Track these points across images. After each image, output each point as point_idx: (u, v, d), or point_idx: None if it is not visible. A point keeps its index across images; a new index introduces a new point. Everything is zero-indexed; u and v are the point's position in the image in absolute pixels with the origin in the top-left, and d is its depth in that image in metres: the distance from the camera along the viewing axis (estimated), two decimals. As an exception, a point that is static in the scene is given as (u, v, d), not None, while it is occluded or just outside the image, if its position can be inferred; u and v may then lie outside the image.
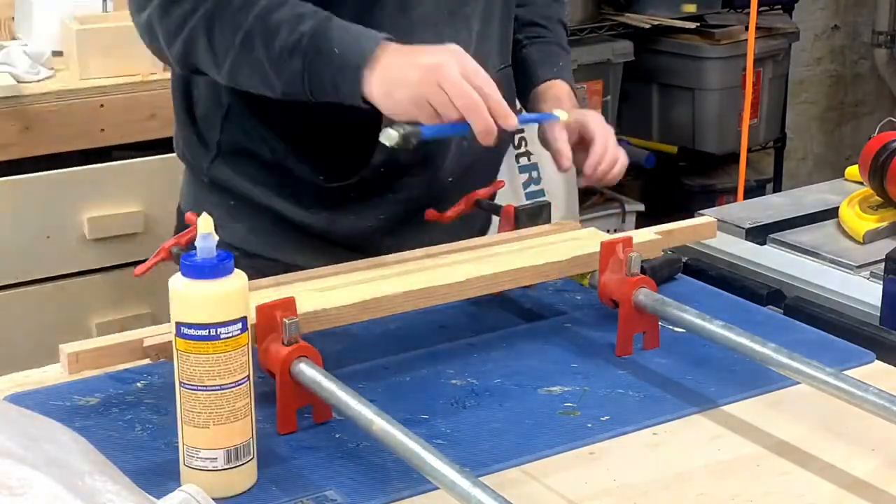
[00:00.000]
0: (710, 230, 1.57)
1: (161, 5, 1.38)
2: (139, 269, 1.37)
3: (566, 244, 1.42)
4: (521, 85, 1.66)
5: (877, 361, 1.35)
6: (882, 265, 1.59)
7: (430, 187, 1.53)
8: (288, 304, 1.16)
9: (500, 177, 1.65)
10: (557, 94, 1.62)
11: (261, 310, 1.14)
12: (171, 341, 1.05)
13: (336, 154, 1.49)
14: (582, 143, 1.55)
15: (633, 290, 1.32)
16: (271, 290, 1.26)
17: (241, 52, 1.35)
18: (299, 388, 1.15)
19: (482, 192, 1.54)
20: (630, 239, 1.37)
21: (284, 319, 1.14)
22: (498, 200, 1.55)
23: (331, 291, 1.28)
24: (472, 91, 1.27)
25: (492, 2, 1.55)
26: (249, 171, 1.53)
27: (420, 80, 1.27)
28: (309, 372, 1.13)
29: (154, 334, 1.17)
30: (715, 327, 1.23)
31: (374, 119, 1.35)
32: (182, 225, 1.60)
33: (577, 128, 1.55)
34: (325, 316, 1.23)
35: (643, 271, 1.49)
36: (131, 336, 1.18)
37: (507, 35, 1.63)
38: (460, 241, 1.45)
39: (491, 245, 1.43)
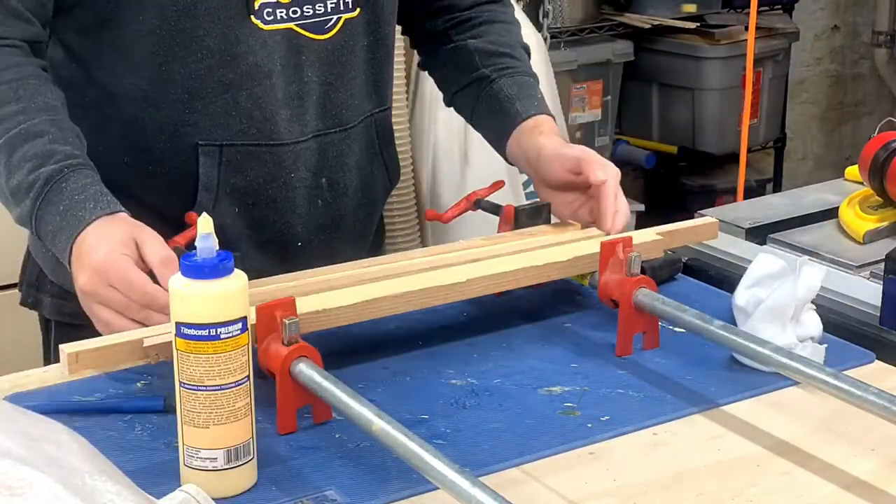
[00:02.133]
0: (712, 231, 1.57)
1: None
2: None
3: (567, 245, 1.42)
4: (499, 121, 1.59)
5: (877, 361, 1.35)
6: (882, 265, 1.59)
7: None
8: (288, 305, 1.16)
9: (499, 177, 1.65)
10: (549, 131, 1.55)
11: (261, 310, 1.14)
12: (170, 341, 1.05)
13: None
14: (576, 186, 1.49)
15: (633, 290, 1.32)
16: (271, 290, 1.26)
17: None
18: (299, 388, 1.15)
19: (482, 192, 1.54)
20: (630, 239, 1.37)
21: (284, 319, 1.14)
22: (498, 200, 1.55)
23: (331, 291, 1.28)
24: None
25: (348, 47, 1.47)
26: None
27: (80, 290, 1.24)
28: (309, 372, 1.13)
29: (154, 334, 1.17)
30: (715, 327, 1.23)
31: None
32: None
33: (571, 169, 1.48)
34: (326, 316, 1.23)
35: (643, 271, 1.50)
36: (131, 336, 1.18)
37: (382, 78, 1.54)
38: (461, 241, 1.45)
39: (491, 245, 1.43)
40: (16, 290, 2.50)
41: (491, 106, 1.59)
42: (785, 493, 1.08)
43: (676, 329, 1.35)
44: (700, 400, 1.24)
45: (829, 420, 1.19)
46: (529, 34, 3.28)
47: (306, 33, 1.42)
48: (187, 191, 1.42)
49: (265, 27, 1.39)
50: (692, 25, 3.84)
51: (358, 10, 1.46)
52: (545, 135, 1.53)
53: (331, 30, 1.44)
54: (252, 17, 1.38)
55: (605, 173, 1.43)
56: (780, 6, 4.24)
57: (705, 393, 1.25)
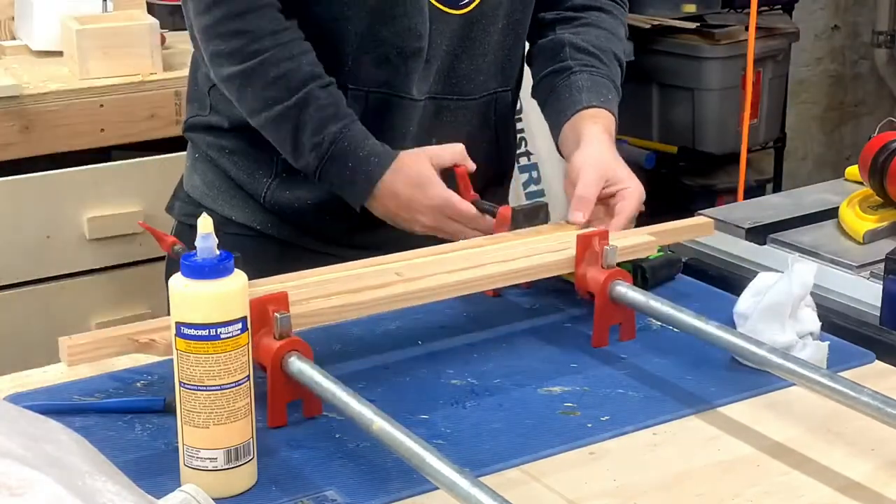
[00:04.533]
0: (707, 228, 1.58)
1: (226, 31, 1.48)
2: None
3: (565, 243, 1.42)
4: (561, 107, 1.64)
5: (877, 361, 1.35)
6: (882, 265, 1.60)
7: None
8: (280, 299, 1.17)
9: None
10: (603, 123, 1.61)
11: (254, 304, 1.14)
12: (166, 330, 1.05)
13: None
14: (605, 202, 1.53)
15: (609, 282, 1.33)
16: (270, 290, 1.26)
17: (271, 125, 1.50)
18: (290, 382, 1.15)
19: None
20: (606, 232, 1.37)
21: (276, 314, 1.15)
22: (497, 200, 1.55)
23: (328, 288, 1.28)
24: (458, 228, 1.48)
25: (480, 25, 1.57)
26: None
27: (424, 227, 1.49)
28: (299, 366, 1.14)
29: (150, 328, 1.17)
30: (711, 328, 1.24)
31: None
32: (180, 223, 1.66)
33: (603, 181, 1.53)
34: (322, 313, 1.24)
35: (643, 272, 1.50)
36: (130, 329, 1.18)
37: (510, 60, 1.65)
38: (461, 241, 1.45)
39: (491, 245, 1.43)
40: (16, 290, 2.51)
41: (561, 94, 1.65)
42: (785, 493, 1.08)
43: (677, 329, 1.35)
44: (700, 400, 1.24)
45: (828, 420, 1.19)
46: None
47: (440, 6, 1.52)
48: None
49: (453, 11, 1.53)
50: (692, 25, 3.84)
51: None
52: (596, 125, 1.60)
53: (466, 6, 1.54)
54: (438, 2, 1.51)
55: (584, 215, 1.48)
56: (780, 6, 4.24)
57: (705, 393, 1.25)
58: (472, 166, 1.50)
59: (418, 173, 1.47)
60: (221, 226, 1.50)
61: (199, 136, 1.65)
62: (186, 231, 1.66)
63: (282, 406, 1.17)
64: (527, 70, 1.77)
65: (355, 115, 1.50)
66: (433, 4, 1.52)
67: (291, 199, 1.57)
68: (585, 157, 1.53)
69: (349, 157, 1.47)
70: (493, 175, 1.68)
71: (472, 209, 1.47)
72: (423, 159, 1.48)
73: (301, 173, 1.52)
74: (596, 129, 1.58)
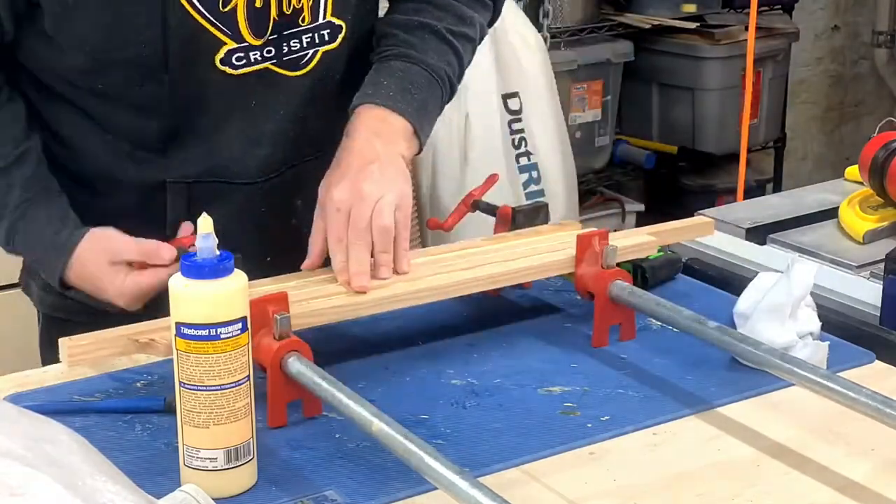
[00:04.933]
0: (707, 228, 1.58)
1: None
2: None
3: (565, 243, 1.42)
4: None
5: (877, 361, 1.35)
6: (882, 265, 1.59)
7: None
8: (280, 299, 1.17)
9: (499, 177, 1.65)
10: (355, 127, 1.37)
11: (254, 304, 1.14)
12: (167, 330, 1.05)
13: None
14: None
15: (609, 282, 1.33)
16: (271, 290, 1.26)
17: None
18: (290, 382, 1.15)
19: (477, 191, 1.54)
20: (606, 232, 1.37)
21: (276, 315, 1.15)
22: (497, 200, 1.55)
23: (328, 288, 1.28)
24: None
25: (327, 79, 1.43)
26: None
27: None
28: (299, 366, 1.14)
29: (150, 328, 1.18)
30: (710, 329, 1.24)
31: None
32: None
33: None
34: (322, 313, 1.24)
35: (643, 272, 1.50)
36: (130, 329, 1.18)
37: (310, 130, 1.45)
38: (461, 241, 1.45)
39: (491, 245, 1.43)
40: (16, 290, 2.51)
41: None
42: (785, 493, 1.08)
43: (677, 329, 1.35)
44: (700, 400, 1.24)
45: (829, 421, 1.19)
46: (529, 34, 3.29)
47: (282, 71, 1.38)
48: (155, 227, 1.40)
49: (235, 72, 1.35)
50: (692, 25, 3.84)
51: (339, 40, 1.41)
52: (351, 128, 1.38)
53: (307, 65, 1.40)
54: (219, 64, 1.34)
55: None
56: (780, 6, 4.24)
57: (705, 393, 1.25)
58: (166, 257, 1.31)
59: (84, 259, 1.34)
60: (91, 317, 1.38)
61: None
62: (51, 324, 1.54)
63: (282, 406, 1.17)
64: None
65: (43, 187, 1.37)
66: (276, 71, 1.38)
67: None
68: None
69: (38, 234, 1.36)
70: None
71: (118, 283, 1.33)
72: (92, 247, 1.34)
73: None
74: (343, 139, 1.38)
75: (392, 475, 1.09)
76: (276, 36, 1.36)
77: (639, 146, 3.96)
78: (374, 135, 1.35)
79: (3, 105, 1.38)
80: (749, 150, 3.65)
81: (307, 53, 1.40)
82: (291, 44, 1.38)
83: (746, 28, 3.49)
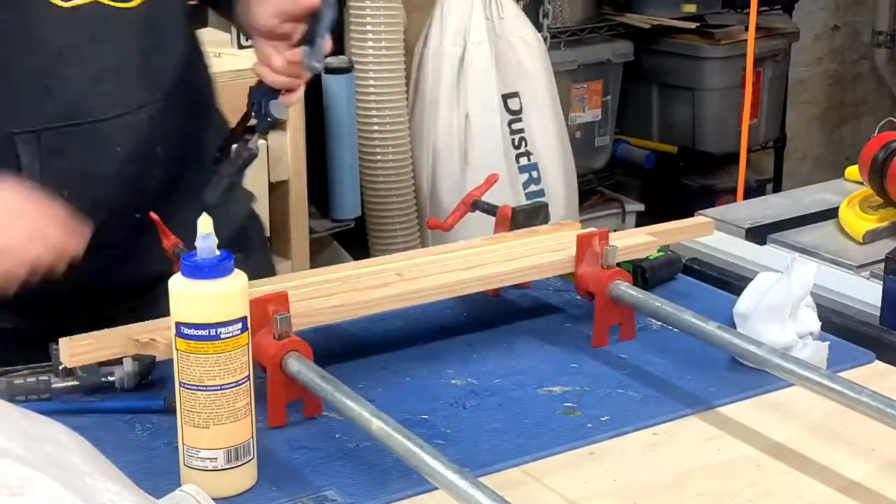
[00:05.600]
0: (707, 228, 1.58)
1: None
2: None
3: (564, 243, 1.42)
4: None
5: (877, 361, 1.35)
6: (882, 265, 1.59)
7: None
8: (280, 299, 1.17)
9: (499, 176, 1.65)
10: None
11: (254, 304, 1.14)
12: (167, 330, 1.05)
13: None
14: (285, 35, 1.37)
15: (609, 282, 1.33)
16: (271, 290, 1.27)
17: None
18: (290, 382, 1.15)
19: (477, 191, 1.54)
20: (606, 232, 1.37)
21: (276, 314, 1.15)
22: (497, 200, 1.55)
23: (328, 288, 1.28)
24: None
25: (162, 11, 1.40)
26: None
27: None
28: (298, 366, 1.14)
29: (150, 328, 1.18)
30: (711, 328, 1.24)
31: None
32: None
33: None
34: (322, 313, 1.24)
35: (643, 272, 1.50)
36: (130, 329, 1.18)
37: (155, 65, 1.41)
38: (461, 241, 1.45)
39: (490, 245, 1.43)
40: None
41: None
42: (785, 493, 1.08)
43: (677, 329, 1.35)
44: (700, 400, 1.24)
45: (829, 420, 1.19)
46: (529, 34, 3.29)
47: (111, 3, 1.35)
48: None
49: (65, 4, 1.31)
50: (692, 25, 3.84)
51: None
52: None
53: None
54: None
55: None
56: (780, 6, 4.24)
57: (705, 393, 1.25)
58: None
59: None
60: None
61: None
62: None
63: (282, 406, 1.17)
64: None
65: None
66: (106, 4, 1.35)
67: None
68: None
69: None
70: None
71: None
72: None
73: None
74: None
75: (392, 475, 1.09)
76: None
77: (639, 146, 3.96)
78: None
79: None
80: (749, 150, 3.65)
81: None
82: None
83: (746, 28, 3.49)
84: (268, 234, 2.12)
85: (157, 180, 1.43)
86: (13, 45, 1.31)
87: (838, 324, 1.41)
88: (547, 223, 1.51)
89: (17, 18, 1.30)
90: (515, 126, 3.26)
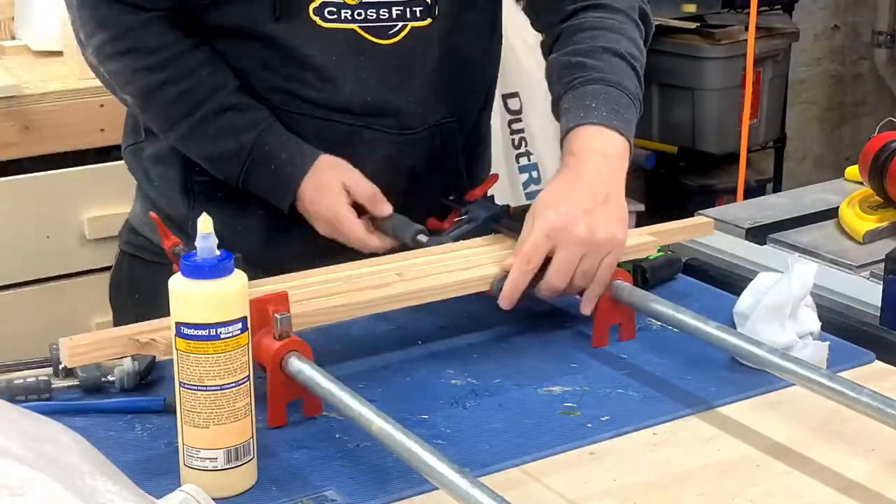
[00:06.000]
0: (707, 228, 1.58)
1: (114, 51, 1.45)
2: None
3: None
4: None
5: (877, 361, 1.35)
6: (882, 265, 1.59)
7: None
8: (280, 299, 1.17)
9: (499, 177, 1.65)
10: (579, 143, 1.36)
11: (254, 304, 1.14)
12: (167, 330, 1.05)
13: None
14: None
15: (609, 282, 1.33)
16: (271, 290, 1.26)
17: (183, 142, 1.48)
18: (290, 382, 1.15)
19: (477, 191, 1.53)
20: None
21: (276, 314, 1.15)
22: (497, 200, 1.55)
23: (328, 288, 1.28)
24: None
25: (415, 54, 1.47)
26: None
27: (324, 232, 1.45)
28: (299, 366, 1.14)
29: (150, 328, 1.17)
30: (711, 328, 1.24)
31: None
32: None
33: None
34: (322, 313, 1.24)
35: (643, 272, 1.50)
36: (130, 329, 1.18)
37: (455, 88, 1.52)
38: (460, 241, 1.45)
39: (490, 244, 1.43)
40: (16, 290, 2.51)
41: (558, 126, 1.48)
42: (785, 493, 1.08)
43: (677, 329, 1.35)
44: (700, 400, 1.24)
45: (829, 420, 1.19)
46: (529, 34, 3.28)
47: (368, 36, 1.44)
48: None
49: (325, 24, 1.42)
50: (692, 25, 3.84)
51: (429, 20, 1.46)
52: (570, 153, 1.37)
53: (396, 35, 1.45)
54: (311, 13, 1.41)
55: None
56: (780, 6, 4.24)
57: (705, 393, 1.25)
58: (385, 211, 1.45)
59: (325, 182, 1.44)
60: (158, 256, 1.49)
61: (134, 164, 1.60)
62: (126, 261, 1.65)
63: (282, 406, 1.17)
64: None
65: (270, 115, 1.46)
66: (363, 36, 1.44)
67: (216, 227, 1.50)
68: (538, 200, 1.35)
69: (272, 161, 1.44)
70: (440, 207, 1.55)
71: (359, 231, 1.44)
72: (335, 172, 1.45)
73: (218, 199, 1.49)
74: (568, 157, 1.37)
75: (392, 475, 1.09)
76: (370, 0, 1.42)
77: (639, 146, 3.95)
78: (603, 157, 1.35)
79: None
80: (749, 150, 3.65)
81: (396, 25, 1.44)
82: (381, 11, 1.43)
83: (746, 28, 3.49)
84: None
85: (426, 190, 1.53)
86: (271, 50, 1.44)
87: (838, 324, 1.41)
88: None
89: (281, 27, 1.42)
90: (515, 126, 3.26)
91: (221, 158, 1.46)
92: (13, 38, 2.86)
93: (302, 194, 1.44)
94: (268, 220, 1.50)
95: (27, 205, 2.47)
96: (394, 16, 1.45)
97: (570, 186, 1.33)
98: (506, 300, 1.32)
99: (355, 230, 1.44)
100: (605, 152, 1.36)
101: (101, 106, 2.48)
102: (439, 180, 1.56)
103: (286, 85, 1.46)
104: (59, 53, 2.67)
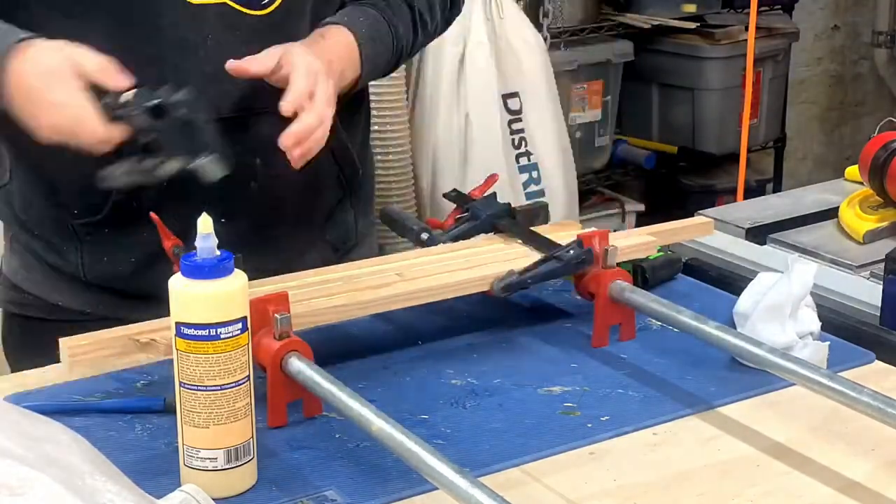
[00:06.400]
0: (707, 228, 1.58)
1: None
2: None
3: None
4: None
5: (877, 361, 1.35)
6: (882, 265, 1.59)
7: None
8: (280, 299, 1.17)
9: (499, 177, 1.65)
10: (325, 34, 1.40)
11: (254, 304, 1.14)
12: (167, 330, 1.05)
13: (77, 186, 1.39)
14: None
15: (609, 282, 1.34)
16: (271, 290, 1.26)
17: None
18: (290, 382, 1.15)
19: (476, 191, 1.54)
20: (606, 232, 1.37)
21: (276, 314, 1.15)
22: (497, 200, 1.55)
23: (328, 288, 1.28)
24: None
25: (290, 23, 1.41)
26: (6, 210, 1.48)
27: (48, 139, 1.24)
28: (299, 366, 1.14)
29: (150, 328, 1.18)
30: (710, 328, 1.24)
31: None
32: None
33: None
34: (322, 313, 1.24)
35: (643, 272, 1.50)
36: (130, 329, 1.18)
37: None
38: (461, 242, 1.45)
39: (490, 244, 1.43)
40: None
41: None
42: (785, 493, 1.08)
43: (677, 329, 1.35)
44: (700, 400, 1.24)
45: (829, 420, 1.19)
46: (529, 34, 3.28)
47: (240, 7, 1.37)
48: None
49: (194, 1, 1.34)
50: (692, 25, 3.84)
51: None
52: (321, 31, 1.41)
53: (269, 5, 1.38)
54: None
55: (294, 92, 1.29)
56: (780, 6, 4.24)
57: (705, 393, 1.25)
58: (123, 83, 1.24)
59: (50, 66, 1.23)
60: (49, 314, 1.45)
61: (5, 210, 1.49)
62: (14, 322, 1.53)
63: (282, 406, 1.17)
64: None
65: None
66: (235, 8, 1.37)
67: (111, 268, 1.42)
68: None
69: None
70: (330, 183, 1.51)
71: (100, 129, 1.23)
72: (59, 51, 1.24)
73: (107, 233, 1.40)
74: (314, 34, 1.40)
75: (392, 475, 1.09)
76: None
77: (639, 146, 3.96)
78: (345, 47, 1.41)
79: None
80: (749, 150, 3.65)
81: None
82: None
83: (746, 28, 3.49)
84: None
85: (254, 192, 1.43)
86: (137, 31, 1.34)
87: (838, 324, 1.41)
88: (547, 223, 1.51)
89: (143, 6, 1.33)
90: (515, 126, 3.26)
91: None
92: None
93: (15, 82, 1.23)
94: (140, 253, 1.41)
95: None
96: None
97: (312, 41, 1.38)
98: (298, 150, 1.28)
99: (98, 130, 1.23)
100: (339, 53, 1.40)
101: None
102: (327, 160, 1.47)
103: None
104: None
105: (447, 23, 1.61)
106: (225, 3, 1.36)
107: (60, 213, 1.43)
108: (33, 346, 1.40)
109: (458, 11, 1.62)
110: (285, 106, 1.29)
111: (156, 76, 1.30)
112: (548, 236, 1.40)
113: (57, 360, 1.16)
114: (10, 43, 1.24)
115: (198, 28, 1.36)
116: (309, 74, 1.31)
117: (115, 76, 1.24)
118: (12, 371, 1.43)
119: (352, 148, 1.54)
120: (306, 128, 1.30)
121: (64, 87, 1.22)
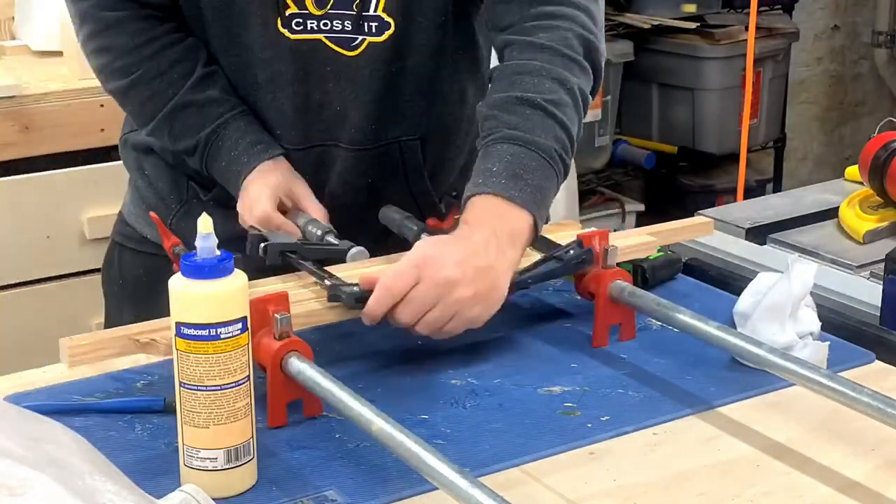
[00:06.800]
0: (707, 228, 1.58)
1: (94, 48, 1.48)
2: None
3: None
4: None
5: (877, 361, 1.35)
6: (882, 265, 1.60)
7: None
8: (280, 299, 1.17)
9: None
10: (470, 217, 1.29)
11: (254, 304, 1.14)
12: (167, 330, 1.05)
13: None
14: None
15: (609, 282, 1.34)
16: (271, 290, 1.26)
17: (156, 135, 1.50)
18: (290, 383, 1.15)
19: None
20: (606, 232, 1.37)
21: (276, 314, 1.15)
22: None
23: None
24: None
25: (370, 69, 1.44)
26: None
27: None
28: (299, 366, 1.14)
29: (151, 328, 1.18)
30: (711, 328, 1.24)
31: None
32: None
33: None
34: (322, 313, 1.25)
35: (643, 272, 1.50)
36: (130, 329, 1.18)
37: (409, 107, 1.47)
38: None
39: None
40: (16, 290, 2.51)
41: None
42: (785, 493, 1.08)
43: (677, 329, 1.35)
44: (700, 400, 1.24)
45: (829, 420, 1.19)
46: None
47: (334, 47, 1.43)
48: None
49: (292, 36, 1.42)
50: (692, 25, 3.84)
51: (386, 35, 1.43)
52: (469, 218, 1.30)
53: (357, 48, 1.44)
54: (280, 25, 1.41)
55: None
56: (780, 6, 4.24)
57: (705, 393, 1.25)
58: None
59: (257, 189, 1.43)
60: (138, 244, 1.57)
61: (127, 153, 1.62)
62: (115, 250, 1.65)
63: (282, 406, 1.17)
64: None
65: (232, 108, 1.46)
66: (329, 46, 1.43)
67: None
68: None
69: (223, 156, 1.46)
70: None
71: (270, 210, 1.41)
72: (279, 177, 1.44)
73: (210, 203, 1.49)
74: (461, 227, 1.29)
75: (392, 475, 1.09)
76: (334, 11, 1.42)
77: (639, 146, 3.96)
78: (492, 232, 1.26)
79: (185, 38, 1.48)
80: (749, 150, 3.65)
81: (356, 38, 1.44)
82: (345, 24, 1.42)
83: (746, 28, 3.49)
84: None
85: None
86: (244, 57, 1.45)
87: (838, 324, 1.41)
88: (547, 223, 1.51)
89: (254, 37, 1.43)
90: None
91: (186, 153, 1.48)
92: (13, 38, 2.86)
93: (245, 191, 1.44)
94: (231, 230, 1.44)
95: (27, 205, 2.47)
96: (353, 28, 1.42)
97: (455, 242, 1.26)
98: (367, 318, 1.24)
99: (268, 211, 1.41)
100: (497, 229, 1.27)
101: (101, 106, 2.48)
102: (402, 197, 1.50)
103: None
104: (59, 53, 2.66)
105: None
106: (320, 40, 1.43)
107: (177, 175, 1.55)
108: (125, 273, 1.62)
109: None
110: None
111: (254, 103, 1.47)
112: (548, 236, 1.40)
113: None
114: (263, 159, 1.45)
115: (292, 62, 1.44)
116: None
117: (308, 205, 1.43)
118: (106, 302, 1.66)
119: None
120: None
121: (262, 200, 1.42)
